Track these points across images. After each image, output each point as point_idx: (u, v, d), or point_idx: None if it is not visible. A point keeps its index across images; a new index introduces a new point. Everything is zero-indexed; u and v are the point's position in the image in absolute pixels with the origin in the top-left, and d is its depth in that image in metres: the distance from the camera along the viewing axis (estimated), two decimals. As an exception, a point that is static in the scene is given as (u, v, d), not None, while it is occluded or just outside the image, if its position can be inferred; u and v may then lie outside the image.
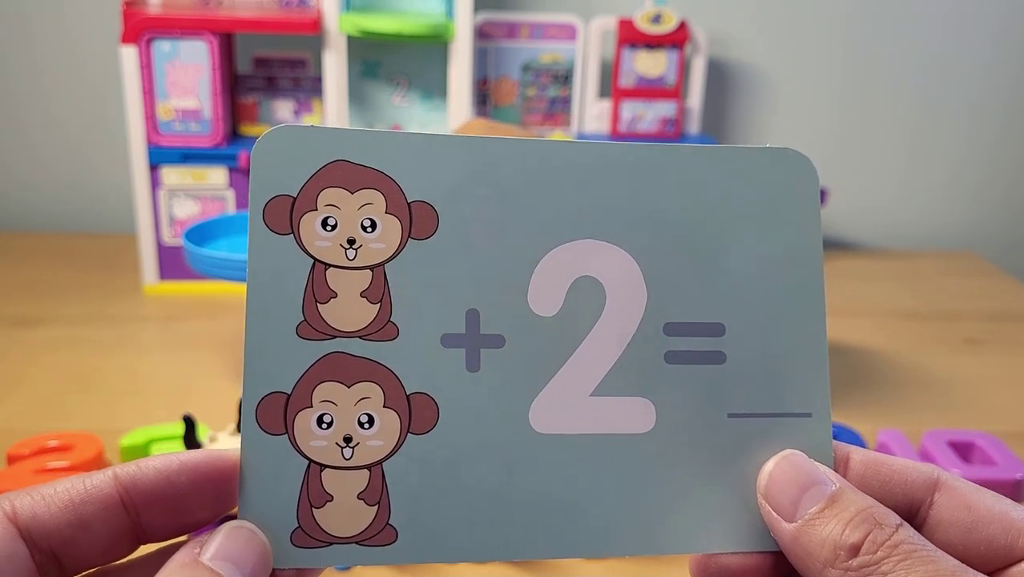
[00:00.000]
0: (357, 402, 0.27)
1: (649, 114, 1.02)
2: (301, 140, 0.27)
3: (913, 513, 0.26)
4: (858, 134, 1.18)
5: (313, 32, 0.87)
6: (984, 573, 0.23)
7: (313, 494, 0.26)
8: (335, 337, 0.27)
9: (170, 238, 0.92)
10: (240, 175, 0.91)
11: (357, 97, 0.98)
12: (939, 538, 0.25)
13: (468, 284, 0.27)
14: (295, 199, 0.27)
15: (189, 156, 0.89)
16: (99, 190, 1.12)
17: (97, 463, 0.61)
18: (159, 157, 0.89)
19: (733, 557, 0.27)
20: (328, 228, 0.27)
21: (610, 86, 1.03)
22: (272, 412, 0.26)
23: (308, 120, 0.99)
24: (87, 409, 0.70)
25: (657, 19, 0.99)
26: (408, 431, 0.27)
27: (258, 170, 0.26)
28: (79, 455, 0.60)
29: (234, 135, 0.95)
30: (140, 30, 0.84)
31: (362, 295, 0.27)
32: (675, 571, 0.54)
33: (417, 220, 0.27)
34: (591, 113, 1.04)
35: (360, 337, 0.27)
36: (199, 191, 0.91)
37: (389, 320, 0.27)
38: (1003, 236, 1.23)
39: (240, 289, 0.82)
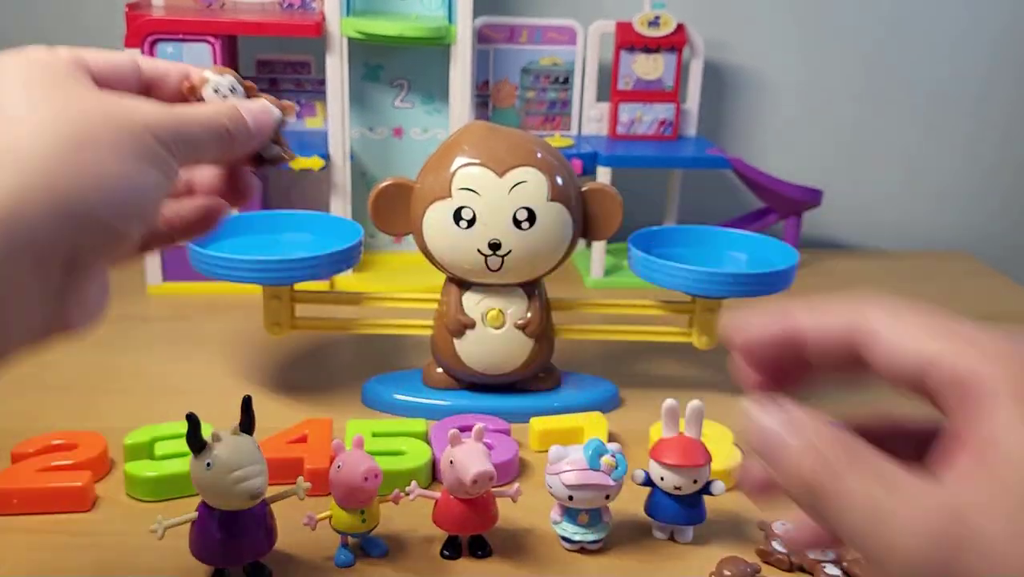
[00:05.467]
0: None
1: (647, 116, 1.03)
2: None
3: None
4: (853, 136, 1.18)
5: (315, 35, 0.87)
6: None
7: None
8: None
9: (173, 238, 0.92)
10: (242, 176, 0.91)
11: (359, 99, 0.99)
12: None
13: None
14: None
15: (192, 157, 0.90)
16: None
17: (101, 462, 0.61)
18: (162, 158, 0.89)
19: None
20: None
21: (609, 89, 1.04)
22: None
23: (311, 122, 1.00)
24: (91, 408, 0.71)
25: (655, 22, 1.00)
26: None
27: None
28: (83, 453, 0.60)
29: (236, 137, 0.96)
30: (144, 33, 0.85)
31: None
32: (675, 571, 0.55)
33: None
34: (590, 115, 1.05)
35: None
36: (202, 192, 0.91)
37: None
38: (999, 238, 1.24)
39: (243, 289, 0.83)
